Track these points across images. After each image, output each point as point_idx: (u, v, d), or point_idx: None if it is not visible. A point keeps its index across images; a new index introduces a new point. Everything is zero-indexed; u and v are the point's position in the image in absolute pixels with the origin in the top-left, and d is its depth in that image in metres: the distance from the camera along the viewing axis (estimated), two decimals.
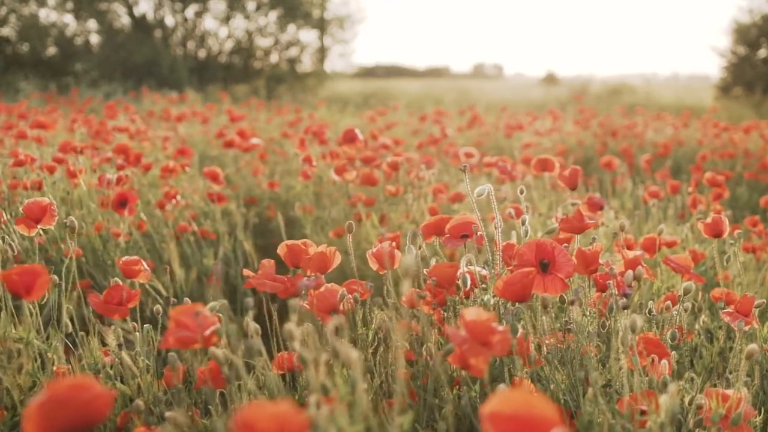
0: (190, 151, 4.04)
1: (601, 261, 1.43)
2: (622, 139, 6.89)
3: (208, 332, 1.03)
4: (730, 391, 1.27)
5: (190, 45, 20.43)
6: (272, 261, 1.48)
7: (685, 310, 1.71)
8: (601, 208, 2.16)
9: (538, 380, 1.45)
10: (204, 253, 3.14)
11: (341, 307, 1.49)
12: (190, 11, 20.38)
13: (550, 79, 34.99)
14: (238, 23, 20.88)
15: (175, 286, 2.83)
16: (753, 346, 1.18)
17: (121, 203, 2.69)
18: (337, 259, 1.56)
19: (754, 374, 1.59)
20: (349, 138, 2.77)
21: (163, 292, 2.49)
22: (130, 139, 4.94)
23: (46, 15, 19.58)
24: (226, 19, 20.68)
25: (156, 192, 3.59)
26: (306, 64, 21.72)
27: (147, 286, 2.63)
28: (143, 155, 3.75)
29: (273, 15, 21.01)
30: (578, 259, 1.43)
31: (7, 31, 19.01)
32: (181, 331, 1.03)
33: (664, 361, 1.29)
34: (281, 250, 1.61)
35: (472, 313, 1.03)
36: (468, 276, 1.35)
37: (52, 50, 19.13)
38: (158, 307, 1.70)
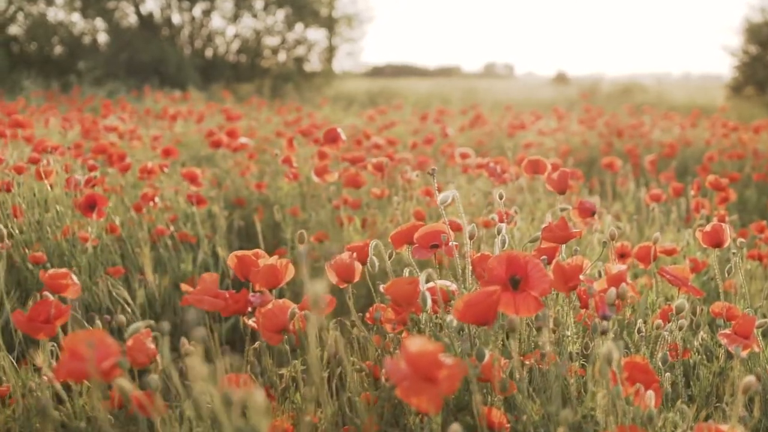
0: (176, 151, 3.90)
1: (582, 276, 1.27)
2: (628, 138, 6.71)
3: (107, 364, 0.88)
4: (725, 427, 1.11)
5: (198, 44, 20.35)
6: (215, 275, 1.33)
7: (680, 328, 1.55)
8: (593, 213, 2.00)
9: (510, 409, 1.29)
10: (182, 258, 2.99)
11: (291, 327, 1.34)
12: (198, 10, 20.31)
13: (561, 79, 34.75)
14: (246, 22, 20.80)
15: (148, 294, 2.69)
16: (750, 380, 1.02)
17: (90, 206, 2.55)
18: (291, 272, 1.41)
19: (754, 404, 1.43)
20: (331, 138, 2.61)
21: (129, 301, 2.35)
22: (120, 139, 4.82)
23: (54, 14, 19.54)
24: (234, 18, 20.59)
25: (138, 194, 3.46)
26: (314, 63, 21.62)
27: (114, 294, 2.50)
28: (127, 155, 3.61)
29: (281, 14, 20.91)
30: (556, 274, 1.27)
31: (15, 29, 19.00)
32: (75, 363, 0.88)
33: (650, 393, 1.13)
34: (231, 260, 1.47)
35: (415, 344, 0.87)
36: (428, 294, 1.19)
37: (59, 49, 19.11)
38: (122, 318, 1.57)
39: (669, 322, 1.66)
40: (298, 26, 21.14)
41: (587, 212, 2.00)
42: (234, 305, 1.30)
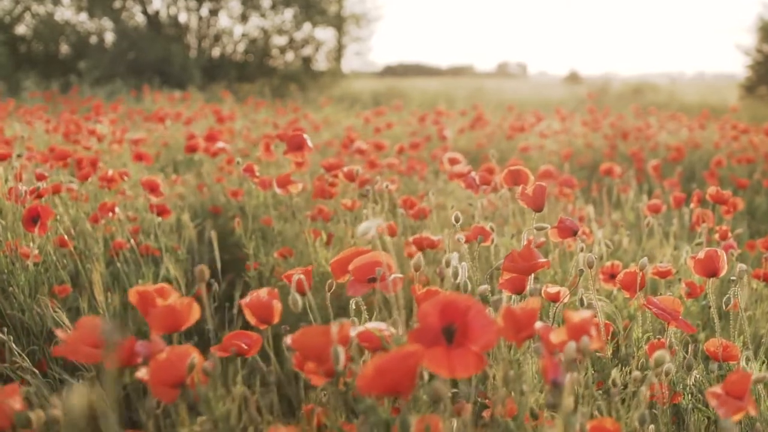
0: (149, 156, 3.69)
1: (537, 324, 1.04)
2: (633, 141, 6.44)
3: None
4: None
5: (204, 43, 20.21)
6: (96, 318, 1.11)
7: (666, 374, 1.32)
8: (574, 233, 1.76)
9: None
10: (142, 274, 2.78)
11: (190, 380, 1.11)
12: (205, 9, 20.16)
13: (573, 78, 34.45)
14: (254, 21, 20.64)
15: (97, 314, 2.48)
16: None
17: (33, 219, 2.35)
18: (196, 313, 1.19)
19: None
20: (296, 145, 2.39)
21: (68, 325, 2.14)
22: (99, 142, 4.62)
23: (61, 14, 19.44)
24: (241, 18, 20.43)
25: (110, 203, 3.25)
26: (321, 63, 21.42)
27: (54, 317, 2.29)
28: (99, 161, 3.40)
29: (289, 13, 20.72)
30: (506, 321, 1.04)
31: (22, 29, 18.94)
32: None
33: None
34: (132, 297, 1.25)
35: None
36: (340, 351, 0.97)
37: (66, 49, 19.02)
38: None
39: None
40: (306, 25, 20.96)
41: (567, 232, 1.76)
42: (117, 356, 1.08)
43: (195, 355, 1.11)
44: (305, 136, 2.41)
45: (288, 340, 1.01)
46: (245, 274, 2.58)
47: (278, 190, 2.34)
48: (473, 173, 2.47)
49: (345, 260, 1.36)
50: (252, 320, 1.22)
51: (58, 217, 2.63)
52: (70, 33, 18.90)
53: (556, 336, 1.01)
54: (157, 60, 17.34)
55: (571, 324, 1.01)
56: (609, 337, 1.57)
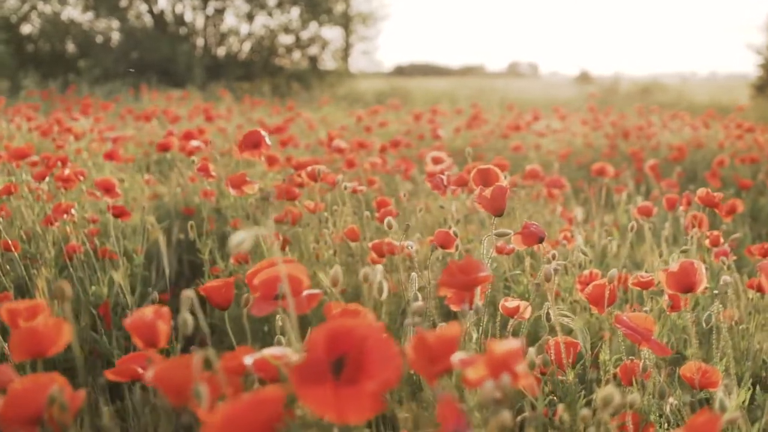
0: (119, 155, 3.52)
1: (457, 357, 0.86)
2: (634, 140, 6.22)
3: None
4: None
5: (210, 42, 20.11)
6: None
7: (631, 405, 1.14)
8: (540, 240, 1.58)
9: None
10: (97, 279, 2.61)
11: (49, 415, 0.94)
12: (211, 8, 20.07)
13: (584, 78, 34.11)
14: (260, 20, 20.53)
15: None
16: None
17: None
18: (66, 335, 1.01)
19: None
20: (253, 143, 2.22)
21: None
22: (76, 140, 4.47)
23: (68, 13, 19.40)
24: (248, 17, 20.32)
25: (82, 203, 3.10)
26: (327, 62, 21.28)
27: None
28: (68, 160, 3.23)
29: (295, 12, 20.59)
30: (417, 351, 0.86)
31: (28, 28, 18.92)
32: None
33: None
34: (3, 314, 1.08)
35: None
36: (203, 389, 0.79)
37: (72, 48, 18.97)
38: None
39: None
40: (313, 24, 20.83)
41: (533, 239, 1.58)
42: None
43: (57, 386, 0.94)
44: (263, 132, 2.23)
45: (149, 374, 0.83)
46: (201, 280, 2.41)
47: (232, 191, 2.16)
48: (445, 173, 2.29)
49: (258, 272, 1.18)
50: (138, 343, 1.04)
51: (0, 220, 2.46)
52: (76, 32, 18.85)
53: (475, 371, 0.83)
54: (162, 59, 17.24)
55: (491, 357, 0.82)
56: (573, 360, 1.39)
